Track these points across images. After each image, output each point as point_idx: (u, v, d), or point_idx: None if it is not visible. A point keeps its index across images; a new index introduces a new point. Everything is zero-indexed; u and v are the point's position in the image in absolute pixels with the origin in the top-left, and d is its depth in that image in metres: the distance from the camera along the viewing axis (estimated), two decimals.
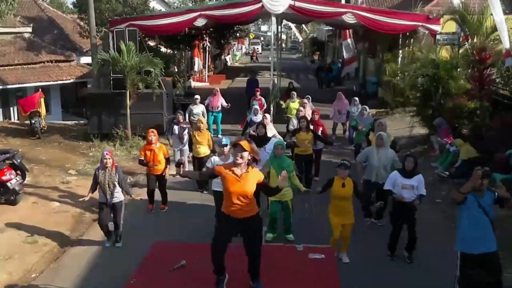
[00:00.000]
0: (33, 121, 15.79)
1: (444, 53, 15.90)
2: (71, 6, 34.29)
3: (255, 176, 5.44)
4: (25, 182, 10.73)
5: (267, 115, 11.42)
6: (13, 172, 10.04)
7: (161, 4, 30.00)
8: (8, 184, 9.70)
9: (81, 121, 19.46)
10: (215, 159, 8.24)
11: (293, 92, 15.84)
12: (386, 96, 20.68)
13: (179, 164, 5.77)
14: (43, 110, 16.39)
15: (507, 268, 7.29)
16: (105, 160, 7.74)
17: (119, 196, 7.98)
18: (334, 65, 30.72)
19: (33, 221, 9.18)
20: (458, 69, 14.37)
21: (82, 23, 22.00)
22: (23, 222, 9.11)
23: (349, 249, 7.74)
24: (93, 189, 8.01)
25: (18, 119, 18.78)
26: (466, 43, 15.76)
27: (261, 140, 9.02)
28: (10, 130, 16.78)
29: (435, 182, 11.45)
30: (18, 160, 10.59)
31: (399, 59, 19.93)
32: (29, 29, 23.44)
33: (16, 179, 9.93)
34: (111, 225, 8.23)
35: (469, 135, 11.95)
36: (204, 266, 6.15)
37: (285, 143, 9.07)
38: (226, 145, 7.85)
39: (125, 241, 8.32)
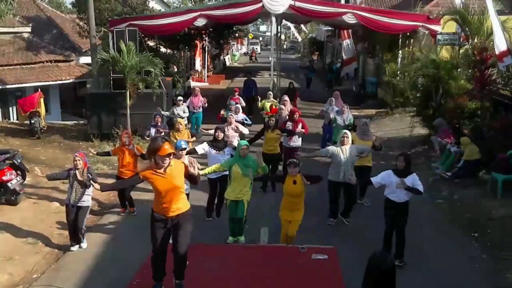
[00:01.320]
0: (32, 121, 15.75)
1: (445, 53, 15.91)
2: (69, 6, 34.29)
3: (179, 167, 5.52)
4: (25, 182, 10.71)
5: (231, 114, 11.41)
6: (14, 172, 10.00)
7: (160, 4, 29.97)
8: (9, 184, 9.66)
9: (81, 121, 19.42)
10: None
11: (269, 92, 15.68)
12: (386, 96, 20.69)
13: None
14: (42, 110, 16.36)
15: (508, 269, 7.31)
16: (75, 162, 7.89)
17: (86, 200, 8.03)
18: (333, 65, 30.66)
19: (33, 221, 9.15)
20: (459, 69, 14.37)
21: (81, 23, 21.98)
22: (23, 222, 9.06)
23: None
24: (54, 176, 8.32)
25: (17, 119, 18.74)
26: (467, 43, 15.77)
27: (220, 143, 9.04)
28: (10, 130, 16.74)
29: (436, 182, 11.44)
30: (19, 160, 10.57)
31: (399, 59, 19.93)
32: (28, 29, 23.41)
33: (16, 179, 9.89)
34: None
35: (470, 135, 11.94)
36: (206, 266, 6.15)
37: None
38: (184, 149, 7.70)
39: (126, 242, 8.30)
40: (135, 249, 7.89)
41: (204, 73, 32.17)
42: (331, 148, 8.98)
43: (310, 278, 5.86)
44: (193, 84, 27.34)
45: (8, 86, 20.22)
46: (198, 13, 17.06)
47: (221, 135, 9.10)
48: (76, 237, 8.14)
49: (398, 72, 19.17)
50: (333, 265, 6.11)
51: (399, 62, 19.82)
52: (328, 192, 8.94)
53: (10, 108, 21.25)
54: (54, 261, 7.78)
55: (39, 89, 17.46)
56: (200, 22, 17.40)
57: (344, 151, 8.61)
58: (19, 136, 15.73)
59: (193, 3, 26.66)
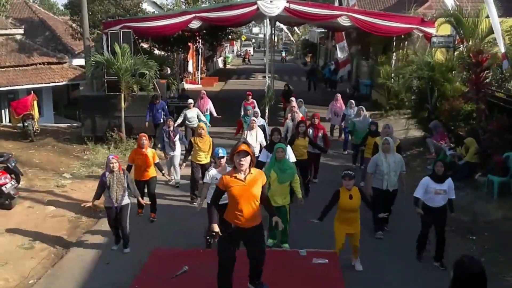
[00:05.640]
0: (26, 124, 15.61)
1: (439, 55, 15.95)
2: (62, 8, 34.10)
3: (260, 177, 5.39)
4: (20, 186, 10.58)
5: (254, 118, 11.07)
6: (8, 176, 9.89)
7: (153, 6, 29.84)
8: (3, 188, 9.55)
9: (74, 124, 19.26)
10: (213, 173, 7.59)
11: (300, 99, 15.28)
12: (380, 98, 20.73)
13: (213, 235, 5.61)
14: (36, 113, 16.21)
15: (506, 272, 7.31)
16: (111, 165, 7.65)
17: (126, 199, 7.87)
18: (327, 67, 30.74)
19: (28, 225, 9.05)
20: (454, 72, 14.41)
21: (74, 25, 21.85)
22: (18, 227, 8.97)
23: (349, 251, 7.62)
24: (98, 195, 7.82)
25: (10, 122, 18.56)
26: (461, 45, 15.82)
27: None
28: (2, 133, 16.57)
29: None
30: (12, 164, 10.45)
31: (393, 61, 19.96)
32: (21, 31, 23.19)
33: (11, 183, 9.78)
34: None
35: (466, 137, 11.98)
36: (205, 272, 6.09)
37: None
38: (223, 157, 7.42)
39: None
40: (132, 253, 7.83)
41: (198, 75, 32.11)
42: (373, 160, 8.57)
43: (310, 282, 5.82)
44: (186, 86, 27.28)
45: (0, 89, 20.00)
46: (193, 15, 17.01)
47: (278, 137, 8.91)
48: (118, 238, 8.10)
49: (393, 74, 19.19)
50: (334, 269, 6.07)
51: (393, 64, 19.84)
52: (373, 201, 8.00)
53: (3, 111, 21.06)
54: (51, 266, 7.68)
55: (32, 92, 17.31)
56: (195, 25, 17.35)
57: (386, 159, 8.28)
58: (12, 139, 15.56)
59: (186, 5, 26.56)
